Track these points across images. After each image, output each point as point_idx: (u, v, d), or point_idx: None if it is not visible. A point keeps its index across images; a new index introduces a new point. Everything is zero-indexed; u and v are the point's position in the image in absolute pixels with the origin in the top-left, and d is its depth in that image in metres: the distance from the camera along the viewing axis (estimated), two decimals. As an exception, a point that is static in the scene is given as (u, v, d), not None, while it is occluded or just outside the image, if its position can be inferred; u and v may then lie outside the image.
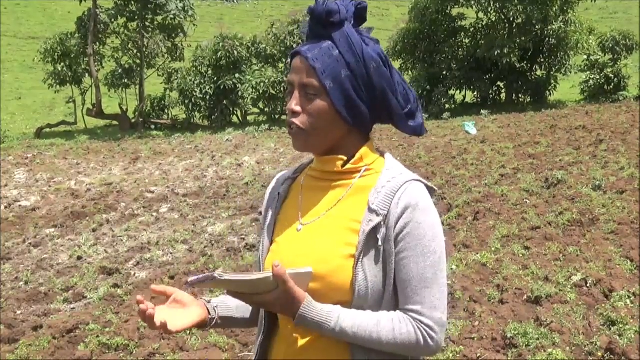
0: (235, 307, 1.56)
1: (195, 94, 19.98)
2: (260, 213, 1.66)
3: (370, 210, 1.37)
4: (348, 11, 1.40)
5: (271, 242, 1.51)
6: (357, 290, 1.34)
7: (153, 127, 20.67)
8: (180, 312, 1.40)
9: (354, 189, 1.43)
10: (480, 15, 21.18)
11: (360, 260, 1.35)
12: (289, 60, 1.50)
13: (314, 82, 1.36)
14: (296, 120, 1.39)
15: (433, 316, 1.35)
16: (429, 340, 1.34)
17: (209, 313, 1.47)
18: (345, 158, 1.44)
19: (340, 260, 1.36)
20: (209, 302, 1.50)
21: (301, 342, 1.41)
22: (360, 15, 1.43)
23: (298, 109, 1.39)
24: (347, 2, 1.40)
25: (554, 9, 19.23)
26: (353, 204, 1.41)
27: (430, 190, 1.43)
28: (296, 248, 1.43)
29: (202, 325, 1.46)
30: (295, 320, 1.32)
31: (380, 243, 1.36)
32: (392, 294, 1.39)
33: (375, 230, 1.36)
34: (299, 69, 1.39)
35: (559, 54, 20.60)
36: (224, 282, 1.25)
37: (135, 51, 21.29)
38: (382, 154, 1.50)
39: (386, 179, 1.41)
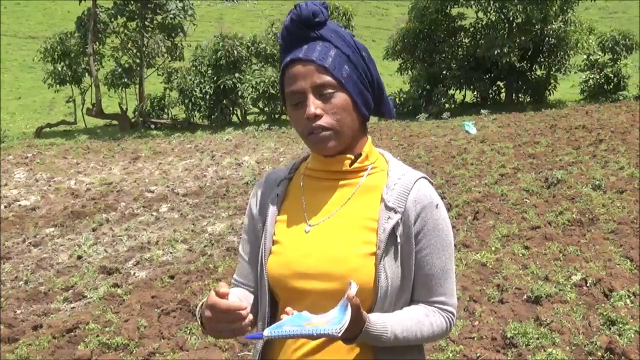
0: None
1: (195, 93, 19.98)
2: (246, 213, 1.62)
3: (388, 208, 1.38)
4: (325, 10, 1.43)
5: (272, 244, 1.49)
6: (379, 288, 1.35)
7: (153, 126, 20.67)
8: None
9: (363, 187, 1.44)
10: (480, 14, 21.18)
11: (382, 258, 1.36)
12: (280, 73, 1.49)
13: (329, 79, 1.36)
14: (322, 122, 1.36)
15: (453, 302, 1.45)
16: (452, 323, 1.46)
17: None
18: (352, 157, 1.44)
19: (360, 259, 1.36)
20: None
21: (313, 343, 1.39)
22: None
23: (319, 111, 1.36)
24: (319, 3, 1.42)
25: (554, 8, 19.23)
26: (365, 202, 1.42)
27: (432, 185, 1.49)
28: (305, 249, 1.42)
29: None
30: (358, 338, 1.30)
31: (399, 240, 1.38)
32: (409, 290, 1.42)
33: (394, 227, 1.37)
34: (305, 73, 1.37)
35: (558, 54, 20.62)
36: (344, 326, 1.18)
37: (135, 51, 21.29)
38: (380, 152, 1.52)
39: (396, 176, 1.43)
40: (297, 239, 1.44)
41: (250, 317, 1.27)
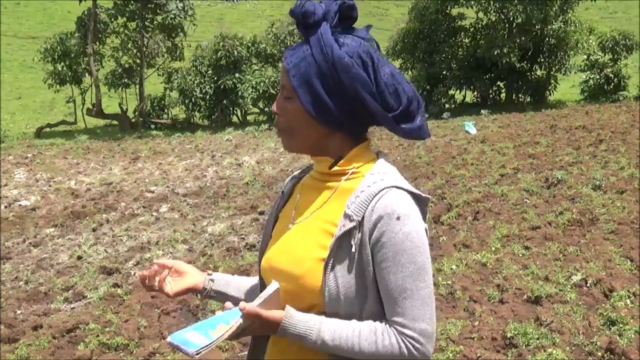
0: (234, 286, 1.66)
1: (195, 93, 19.98)
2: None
3: (345, 215, 1.35)
4: (328, 11, 1.37)
5: (270, 239, 1.56)
6: (327, 294, 1.34)
7: (153, 126, 20.67)
8: (177, 279, 1.62)
9: (339, 191, 1.42)
10: (480, 15, 21.18)
11: (331, 264, 1.34)
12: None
13: (287, 83, 1.40)
14: (277, 121, 1.46)
15: (415, 327, 1.32)
16: (414, 351, 1.32)
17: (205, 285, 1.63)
18: (332, 160, 1.44)
19: (312, 263, 1.36)
20: (210, 274, 1.65)
21: (282, 342, 1.43)
22: (347, 15, 1.39)
23: (278, 110, 1.45)
24: (329, 2, 1.38)
25: (554, 8, 19.22)
26: (334, 207, 1.41)
27: (417, 198, 1.38)
28: (282, 246, 1.47)
29: (196, 292, 1.63)
30: (277, 334, 1.35)
31: (354, 249, 1.33)
32: (376, 303, 1.36)
33: (348, 235, 1.34)
34: (282, 70, 1.44)
35: (558, 54, 20.60)
36: (212, 346, 1.28)
37: (135, 51, 21.29)
38: (376, 157, 1.46)
39: (367, 184, 1.37)
40: (281, 236, 1.50)
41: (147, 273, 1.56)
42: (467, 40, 21.95)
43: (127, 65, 21.18)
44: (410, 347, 1.31)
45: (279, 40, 20.76)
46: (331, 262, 1.34)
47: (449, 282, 5.07)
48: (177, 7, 20.71)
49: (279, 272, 1.42)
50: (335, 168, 1.43)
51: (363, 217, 1.33)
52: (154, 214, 8.52)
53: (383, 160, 1.45)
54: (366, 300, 1.35)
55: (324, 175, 1.46)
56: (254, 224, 7.54)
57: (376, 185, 1.36)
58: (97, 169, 12.99)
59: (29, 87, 28.74)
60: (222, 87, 19.88)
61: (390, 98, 1.37)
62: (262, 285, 1.53)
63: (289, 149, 1.47)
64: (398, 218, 1.32)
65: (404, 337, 1.32)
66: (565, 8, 19.61)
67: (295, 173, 1.63)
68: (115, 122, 21.51)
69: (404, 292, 1.31)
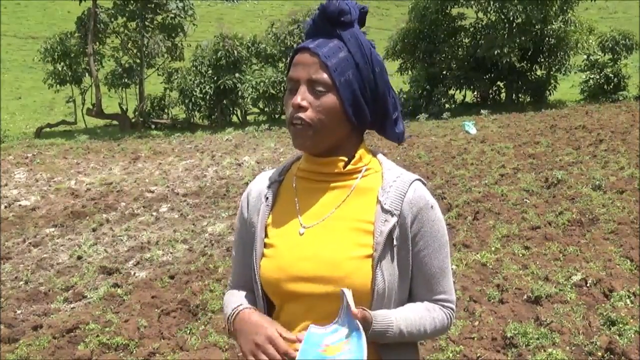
0: None
1: (195, 93, 19.98)
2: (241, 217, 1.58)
3: (384, 211, 1.38)
4: (355, 12, 1.41)
5: (264, 247, 1.48)
6: (376, 291, 1.36)
7: (153, 126, 20.68)
8: None
9: (357, 189, 1.43)
10: (480, 15, 21.18)
11: (379, 260, 1.36)
12: (290, 57, 1.50)
13: (325, 78, 1.36)
14: (303, 115, 1.36)
15: (453, 299, 1.49)
16: (452, 320, 1.49)
17: None
18: (345, 159, 1.43)
19: (355, 262, 1.36)
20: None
21: None
22: (361, 20, 1.46)
23: (305, 103, 1.36)
24: (353, 4, 1.41)
25: (554, 8, 19.23)
26: (360, 205, 1.41)
27: (426, 186, 1.50)
28: (300, 252, 1.41)
29: None
30: (368, 336, 1.32)
31: (395, 242, 1.38)
32: (403, 289, 1.43)
33: (391, 230, 1.38)
34: (308, 64, 1.37)
35: (558, 54, 20.61)
36: None
37: (135, 51, 21.30)
38: (373, 153, 1.51)
39: (391, 179, 1.42)
40: (291, 242, 1.43)
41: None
42: (467, 40, 21.95)
43: (127, 65, 21.18)
44: (451, 316, 1.49)
45: (279, 40, 20.75)
46: (379, 258, 1.37)
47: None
48: (177, 7, 20.73)
49: (309, 279, 1.38)
50: (349, 167, 1.44)
51: (400, 211, 1.39)
52: (154, 214, 8.52)
53: (382, 155, 1.51)
54: (401, 290, 1.42)
55: (330, 176, 1.44)
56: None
57: (402, 179, 1.42)
58: (97, 169, 12.99)
59: (29, 87, 28.75)
60: (222, 87, 19.88)
61: (390, 104, 1.47)
62: (265, 298, 1.47)
63: (308, 147, 1.40)
64: (432, 207, 1.43)
65: (447, 309, 1.48)
66: (565, 8, 19.61)
67: (271, 176, 1.54)
68: (115, 122, 21.51)
69: (443, 271, 1.46)
